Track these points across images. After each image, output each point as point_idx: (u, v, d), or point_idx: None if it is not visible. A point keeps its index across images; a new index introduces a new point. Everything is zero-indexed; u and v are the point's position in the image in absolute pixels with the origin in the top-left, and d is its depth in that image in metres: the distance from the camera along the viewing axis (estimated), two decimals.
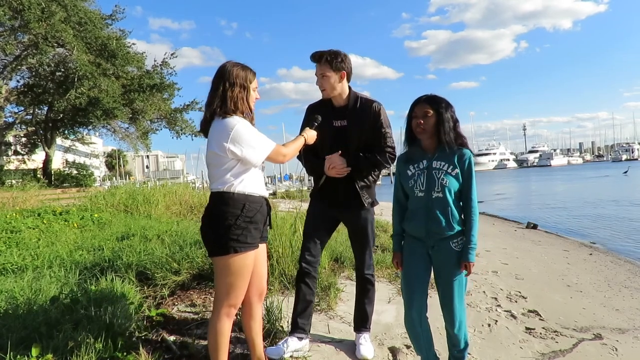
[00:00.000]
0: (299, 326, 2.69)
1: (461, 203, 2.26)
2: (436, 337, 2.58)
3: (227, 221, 2.00)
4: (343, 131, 2.66)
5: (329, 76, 2.58)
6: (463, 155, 2.21)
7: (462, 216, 2.26)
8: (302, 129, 2.72)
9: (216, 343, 2.07)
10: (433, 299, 2.43)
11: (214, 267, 2.11)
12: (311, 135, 2.46)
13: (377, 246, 5.72)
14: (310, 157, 2.76)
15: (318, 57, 2.61)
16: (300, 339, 2.67)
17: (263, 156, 2.09)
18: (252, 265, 2.10)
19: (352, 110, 2.66)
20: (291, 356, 2.58)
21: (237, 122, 2.02)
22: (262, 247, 2.24)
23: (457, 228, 2.21)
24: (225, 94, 2.05)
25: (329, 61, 2.57)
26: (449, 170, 2.20)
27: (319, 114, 2.70)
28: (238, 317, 2.53)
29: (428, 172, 2.23)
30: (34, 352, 2.25)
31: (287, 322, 2.92)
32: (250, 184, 2.07)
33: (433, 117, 2.20)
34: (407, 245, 2.37)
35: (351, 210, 2.73)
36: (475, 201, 2.22)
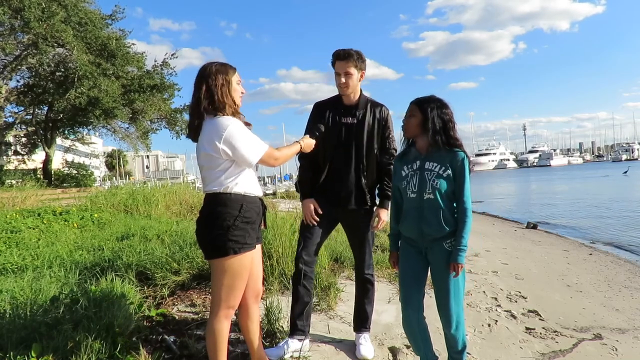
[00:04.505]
0: (298, 328, 2.68)
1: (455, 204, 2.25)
2: (436, 337, 2.58)
3: (226, 222, 1.98)
4: (351, 128, 2.68)
5: (352, 74, 2.60)
6: (456, 157, 2.20)
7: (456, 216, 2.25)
8: (308, 127, 2.75)
9: (215, 345, 2.05)
10: (432, 299, 2.42)
11: (211, 270, 2.09)
12: (308, 143, 2.41)
13: (377, 246, 5.72)
14: (306, 168, 2.76)
15: (346, 55, 2.59)
16: (300, 340, 2.67)
17: (256, 157, 2.05)
18: (250, 266, 2.09)
19: (362, 110, 2.69)
20: (291, 356, 2.58)
21: (230, 123, 1.99)
22: (258, 248, 2.22)
23: (449, 229, 2.20)
24: (210, 90, 2.03)
25: (356, 60, 2.60)
26: (441, 172, 2.20)
27: (327, 111, 2.71)
28: (236, 315, 2.52)
29: (420, 173, 2.24)
30: (34, 352, 2.25)
31: (287, 322, 2.92)
32: (246, 184, 2.05)
33: (417, 117, 2.23)
34: (403, 245, 2.39)
35: (353, 209, 2.72)
36: (467, 203, 2.20)
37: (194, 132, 2.09)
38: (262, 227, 2.23)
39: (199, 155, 2.08)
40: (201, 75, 2.07)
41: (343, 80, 2.60)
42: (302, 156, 2.77)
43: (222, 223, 1.98)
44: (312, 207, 2.68)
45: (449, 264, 2.19)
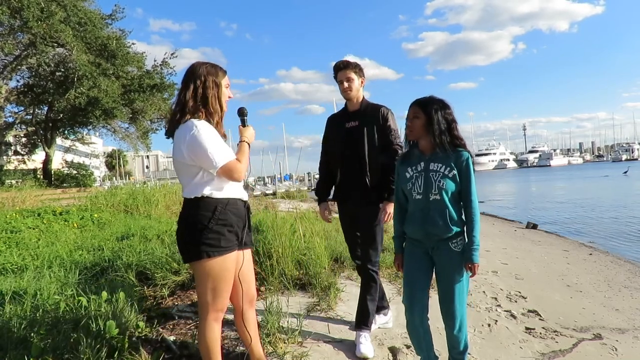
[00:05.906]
0: (378, 307, 3.08)
1: (461, 204, 2.25)
2: (436, 337, 2.58)
3: (199, 225, 1.93)
4: (354, 131, 2.91)
5: (353, 79, 2.89)
6: (460, 157, 2.20)
7: (462, 217, 2.25)
8: (324, 137, 3.10)
9: (208, 350, 2.01)
10: (433, 299, 2.42)
11: (193, 274, 2.04)
12: (248, 135, 2.17)
13: None
14: (323, 176, 3.12)
15: (346, 64, 2.89)
16: (385, 314, 3.21)
17: (218, 164, 1.91)
18: (232, 269, 2.02)
19: (363, 113, 2.94)
20: (292, 356, 2.59)
21: (194, 125, 1.91)
22: (248, 253, 2.18)
23: (456, 229, 2.20)
24: (197, 92, 1.98)
25: (355, 67, 2.91)
26: (446, 172, 2.19)
27: (338, 122, 3.03)
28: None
29: (425, 174, 2.23)
30: (34, 352, 2.25)
31: (288, 321, 2.93)
32: (222, 187, 1.97)
33: (421, 119, 2.22)
34: (408, 247, 2.37)
35: (360, 206, 2.89)
36: (475, 202, 2.20)
37: (172, 129, 2.01)
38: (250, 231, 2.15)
39: (174, 162, 2.03)
40: (191, 73, 2.02)
41: (346, 85, 2.88)
42: (321, 167, 3.17)
43: (196, 226, 1.94)
44: (323, 209, 3.16)
45: (464, 264, 2.19)
